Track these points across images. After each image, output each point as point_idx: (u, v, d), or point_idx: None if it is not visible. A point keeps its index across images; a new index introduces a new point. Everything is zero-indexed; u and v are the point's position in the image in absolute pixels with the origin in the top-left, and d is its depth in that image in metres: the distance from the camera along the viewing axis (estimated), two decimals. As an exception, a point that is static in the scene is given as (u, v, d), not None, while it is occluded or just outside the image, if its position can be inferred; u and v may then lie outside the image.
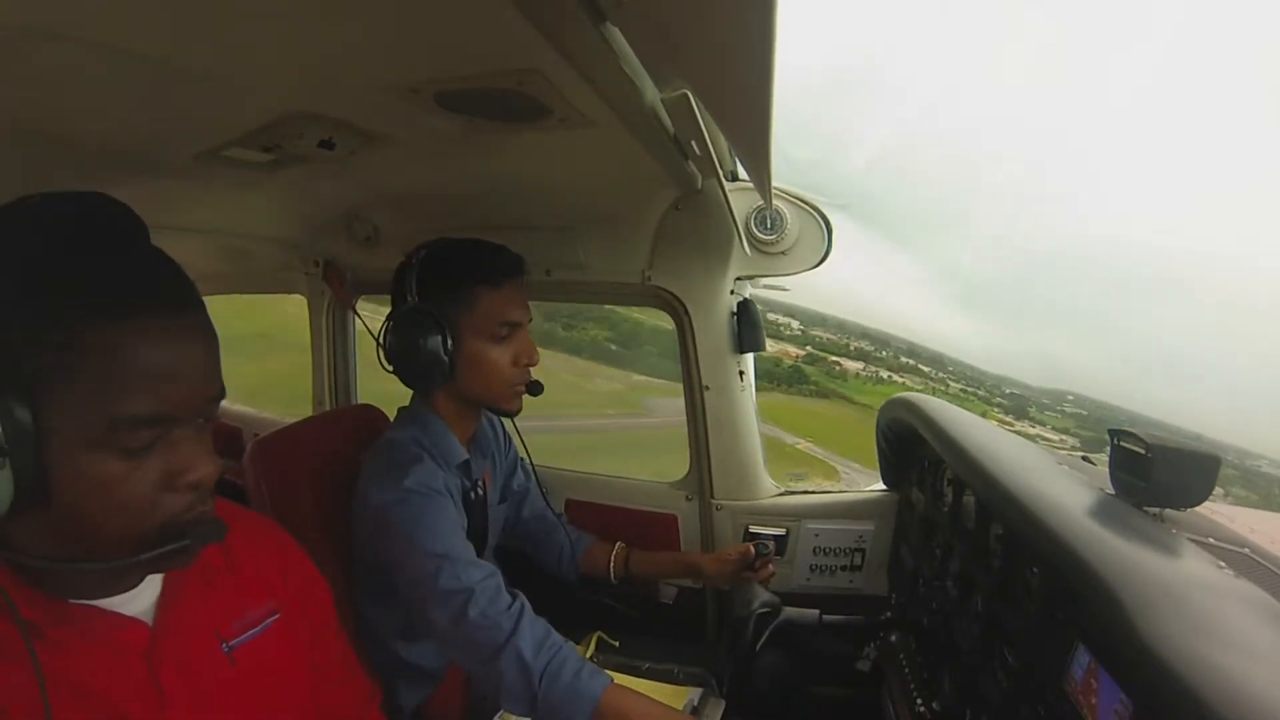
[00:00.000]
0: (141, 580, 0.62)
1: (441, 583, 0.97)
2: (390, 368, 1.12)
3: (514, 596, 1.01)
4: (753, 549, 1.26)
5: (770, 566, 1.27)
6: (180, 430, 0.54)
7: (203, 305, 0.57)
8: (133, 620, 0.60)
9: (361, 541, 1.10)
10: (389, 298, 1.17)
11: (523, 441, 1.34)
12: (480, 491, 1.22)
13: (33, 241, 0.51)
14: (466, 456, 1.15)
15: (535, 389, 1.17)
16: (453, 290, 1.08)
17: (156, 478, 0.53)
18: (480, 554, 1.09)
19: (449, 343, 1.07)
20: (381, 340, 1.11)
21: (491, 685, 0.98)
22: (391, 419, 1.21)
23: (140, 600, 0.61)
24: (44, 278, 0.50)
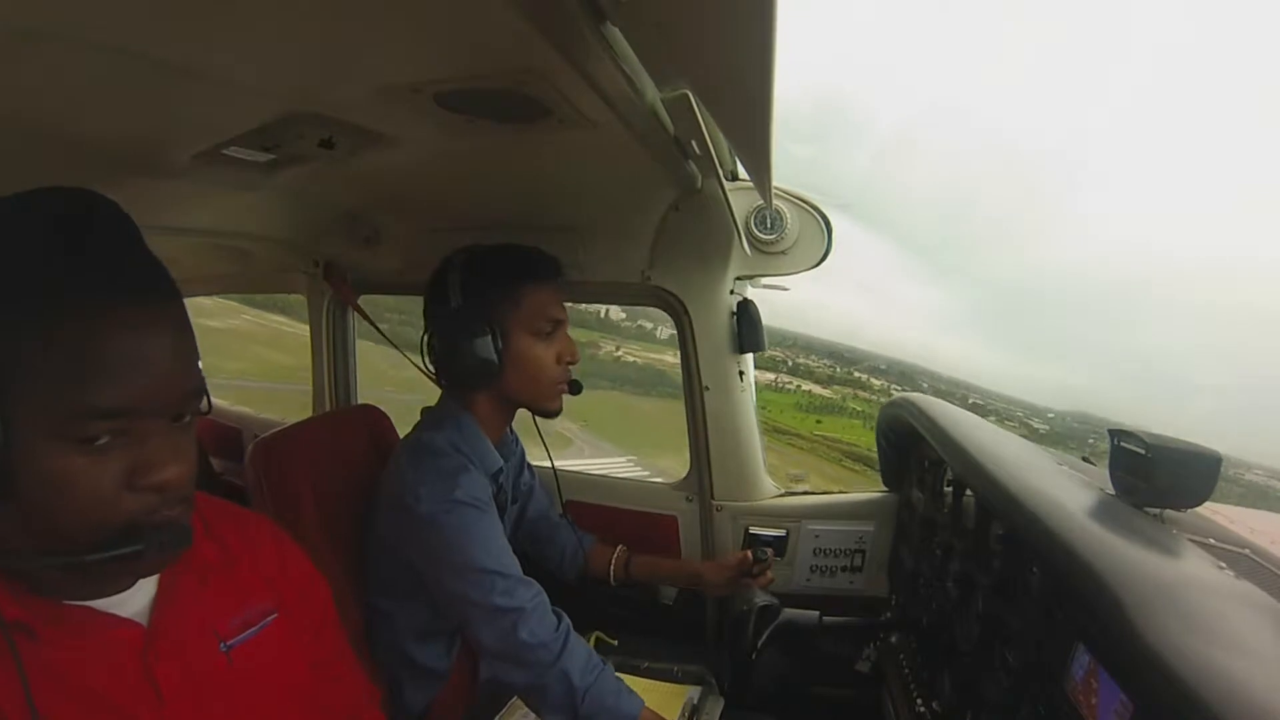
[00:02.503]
0: (134, 581, 0.61)
1: (495, 600, 0.99)
2: (433, 371, 1.12)
3: (559, 616, 1.03)
4: (750, 555, 1.26)
5: (769, 573, 1.28)
6: (148, 426, 0.53)
7: (176, 298, 0.57)
8: (127, 621, 0.60)
9: (390, 543, 1.10)
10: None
11: (545, 443, 1.33)
12: (503, 497, 1.22)
13: (11, 236, 0.51)
14: (501, 464, 1.15)
15: (575, 388, 1.18)
16: (499, 288, 1.09)
17: (118, 475, 0.52)
18: None
19: (498, 340, 1.08)
20: (426, 343, 1.12)
21: (533, 698, 1.02)
22: (389, 419, 1.21)
23: (135, 601, 0.61)
24: (18, 272, 0.50)
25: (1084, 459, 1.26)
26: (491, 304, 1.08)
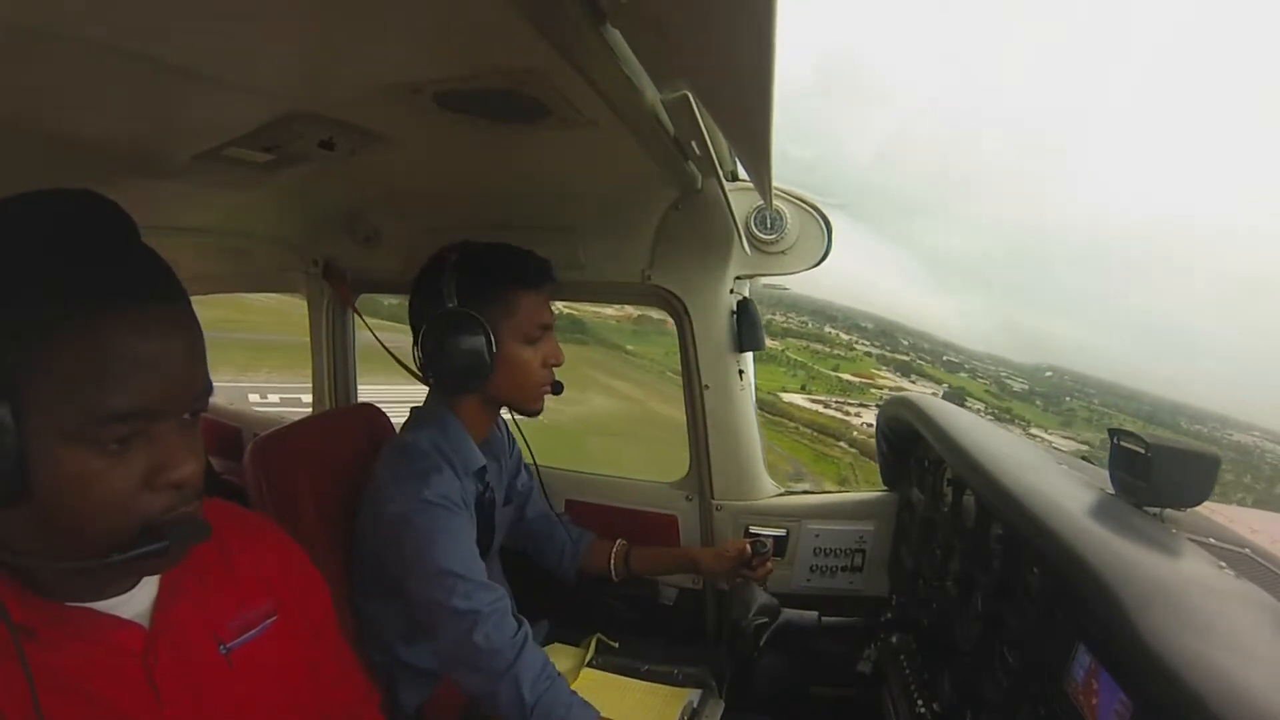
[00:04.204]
0: (137, 582, 0.61)
1: (453, 602, 0.98)
2: (423, 372, 1.12)
3: (519, 623, 1.02)
4: (749, 547, 1.26)
5: (769, 564, 1.27)
6: (163, 426, 0.54)
7: (186, 299, 0.57)
8: (128, 622, 0.60)
9: (370, 544, 1.10)
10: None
11: (526, 442, 1.34)
12: (491, 495, 1.22)
13: (16, 239, 0.51)
14: (484, 463, 1.15)
15: (557, 389, 1.19)
16: (493, 293, 1.09)
17: (137, 475, 0.53)
18: (485, 557, 1.10)
19: (492, 345, 1.08)
20: (419, 343, 1.12)
21: (485, 705, 1.00)
22: (389, 418, 1.21)
23: (136, 602, 0.61)
24: (25, 274, 0.50)
25: (1084, 458, 1.26)
26: (486, 308, 1.08)
